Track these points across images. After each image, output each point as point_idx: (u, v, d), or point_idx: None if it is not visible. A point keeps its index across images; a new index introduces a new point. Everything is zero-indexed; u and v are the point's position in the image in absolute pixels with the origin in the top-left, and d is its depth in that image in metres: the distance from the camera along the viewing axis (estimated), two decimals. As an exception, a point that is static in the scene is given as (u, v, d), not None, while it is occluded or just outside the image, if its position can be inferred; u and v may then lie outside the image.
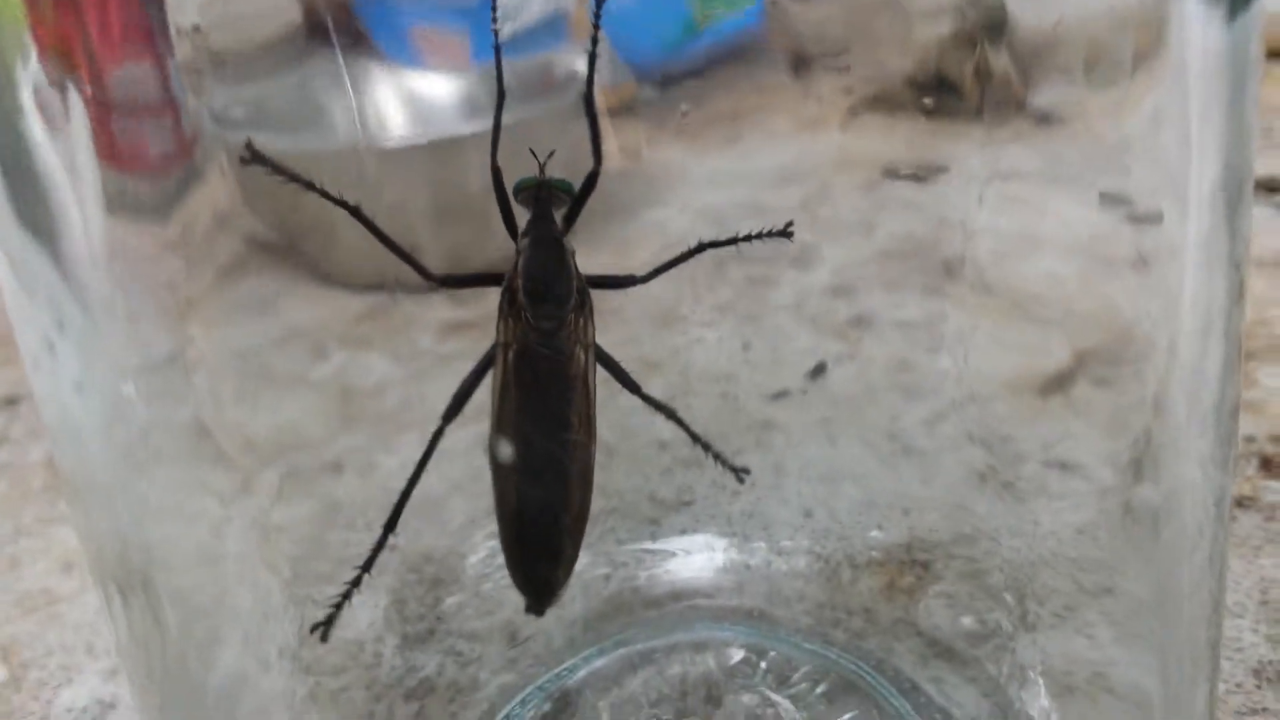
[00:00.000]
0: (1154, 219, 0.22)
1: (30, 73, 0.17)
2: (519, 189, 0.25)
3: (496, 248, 0.26)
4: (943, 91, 0.28)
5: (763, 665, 0.29)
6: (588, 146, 0.25)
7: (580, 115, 0.25)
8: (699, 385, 0.35)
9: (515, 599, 0.26)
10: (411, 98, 0.31)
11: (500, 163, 0.25)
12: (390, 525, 0.26)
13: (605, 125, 0.25)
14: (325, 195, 0.24)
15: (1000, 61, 0.26)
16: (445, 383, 0.27)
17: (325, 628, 0.26)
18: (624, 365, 0.27)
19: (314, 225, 0.28)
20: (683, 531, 0.34)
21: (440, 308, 0.32)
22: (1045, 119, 0.26)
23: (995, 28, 0.26)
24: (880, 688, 0.28)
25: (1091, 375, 0.27)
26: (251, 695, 0.25)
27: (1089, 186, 0.25)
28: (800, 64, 0.29)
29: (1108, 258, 0.25)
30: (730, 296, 0.34)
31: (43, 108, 0.18)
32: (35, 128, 0.17)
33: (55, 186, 0.18)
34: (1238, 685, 0.29)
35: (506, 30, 0.24)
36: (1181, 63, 0.20)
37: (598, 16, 0.24)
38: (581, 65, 0.24)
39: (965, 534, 0.32)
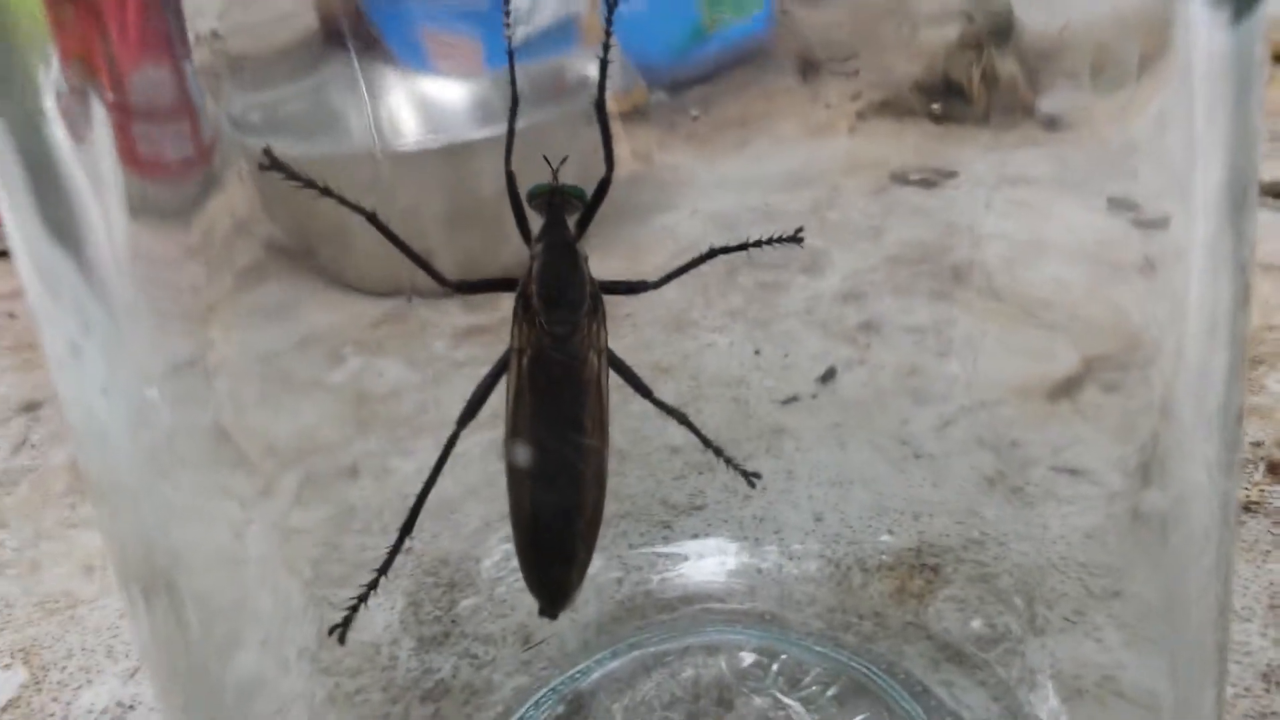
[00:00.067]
0: (1160, 223, 0.22)
1: (53, 79, 0.18)
2: (533, 195, 0.26)
3: (510, 253, 0.26)
4: (950, 96, 0.28)
5: (774, 668, 0.29)
6: (599, 152, 0.25)
7: (591, 120, 0.25)
8: (710, 390, 0.35)
9: (529, 602, 0.26)
10: (424, 102, 0.32)
11: (513, 168, 0.25)
12: (407, 528, 0.27)
13: (617, 131, 0.25)
14: (343, 201, 0.24)
15: (1007, 66, 0.26)
16: (459, 387, 0.27)
17: (342, 630, 0.27)
18: (636, 370, 0.28)
19: (330, 231, 0.28)
20: (695, 535, 0.34)
21: (454, 313, 0.32)
22: (1052, 123, 0.26)
23: (1002, 33, 0.26)
24: (891, 690, 0.28)
25: (1099, 380, 0.27)
26: (271, 696, 0.26)
27: (1096, 191, 0.26)
28: (808, 69, 0.29)
29: (1115, 262, 0.25)
30: (741, 302, 0.34)
31: (66, 114, 0.18)
32: (59, 134, 0.18)
33: (79, 191, 0.18)
34: (1246, 689, 0.29)
35: (519, 35, 0.24)
36: (1186, 66, 0.20)
37: (609, 24, 0.24)
38: (592, 70, 0.24)
39: (975, 538, 0.32)
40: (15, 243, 0.18)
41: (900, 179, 0.31)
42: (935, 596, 0.31)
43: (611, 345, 0.27)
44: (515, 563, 0.26)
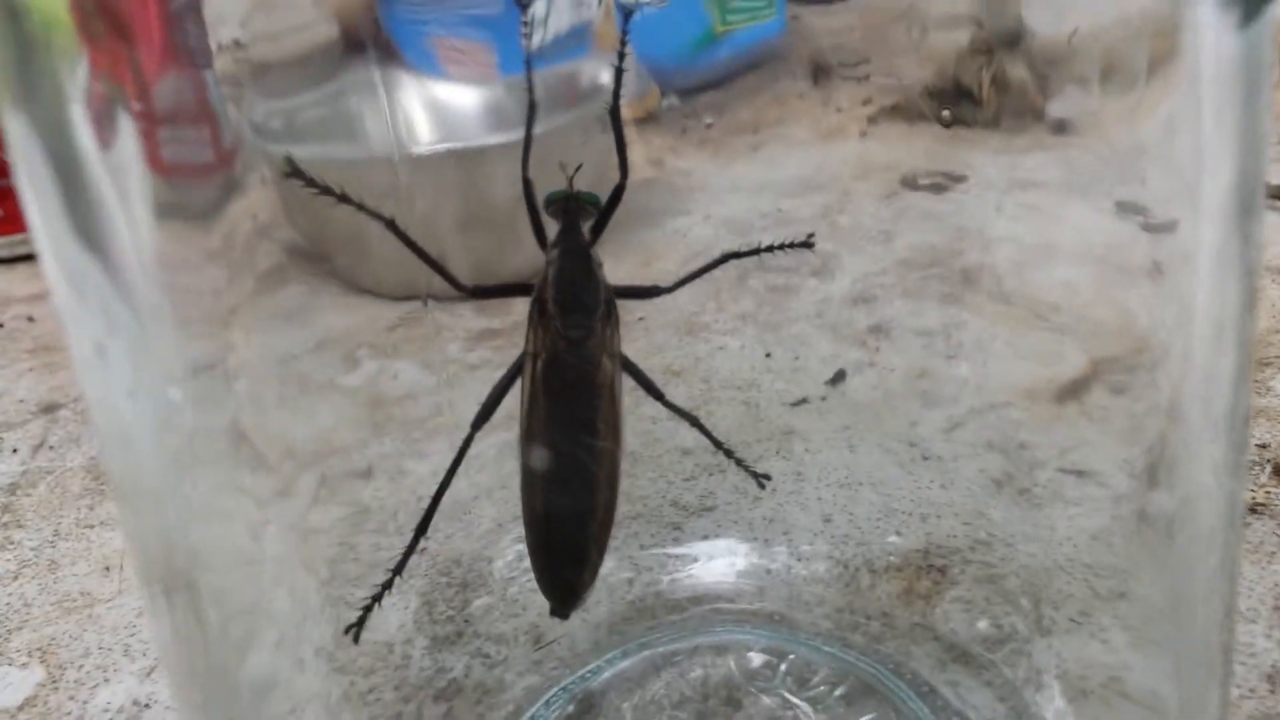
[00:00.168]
0: (1168, 227, 0.23)
1: (80, 86, 0.18)
2: (548, 202, 0.26)
3: (522, 257, 0.27)
4: (960, 101, 0.28)
5: (782, 668, 0.29)
6: (611, 157, 0.25)
7: (603, 125, 0.25)
8: (721, 393, 0.35)
9: (541, 602, 0.26)
10: (440, 108, 0.32)
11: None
12: (422, 529, 0.27)
13: (630, 136, 0.25)
14: (361, 208, 0.24)
15: (1017, 71, 0.26)
16: (473, 389, 0.27)
17: (357, 629, 0.27)
18: (648, 373, 0.28)
19: (347, 237, 0.28)
20: (705, 536, 0.34)
21: (468, 317, 0.32)
22: (1061, 128, 0.26)
23: (1012, 37, 0.26)
24: (898, 690, 0.28)
25: (1107, 383, 0.28)
26: (289, 695, 0.26)
27: (1105, 195, 0.26)
28: (820, 74, 0.29)
29: (1123, 266, 0.26)
30: (752, 305, 0.34)
31: (93, 120, 0.18)
32: (86, 140, 0.18)
33: (105, 196, 0.18)
34: (1251, 690, 0.29)
35: (534, 41, 0.24)
36: (1195, 70, 0.20)
37: (625, 33, 0.24)
38: (605, 75, 0.24)
39: (982, 539, 0.32)
40: (43, 245, 0.18)
41: (910, 183, 0.31)
42: (942, 597, 0.31)
43: (624, 348, 0.27)
44: (527, 563, 0.26)
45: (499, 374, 0.27)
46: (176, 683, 0.23)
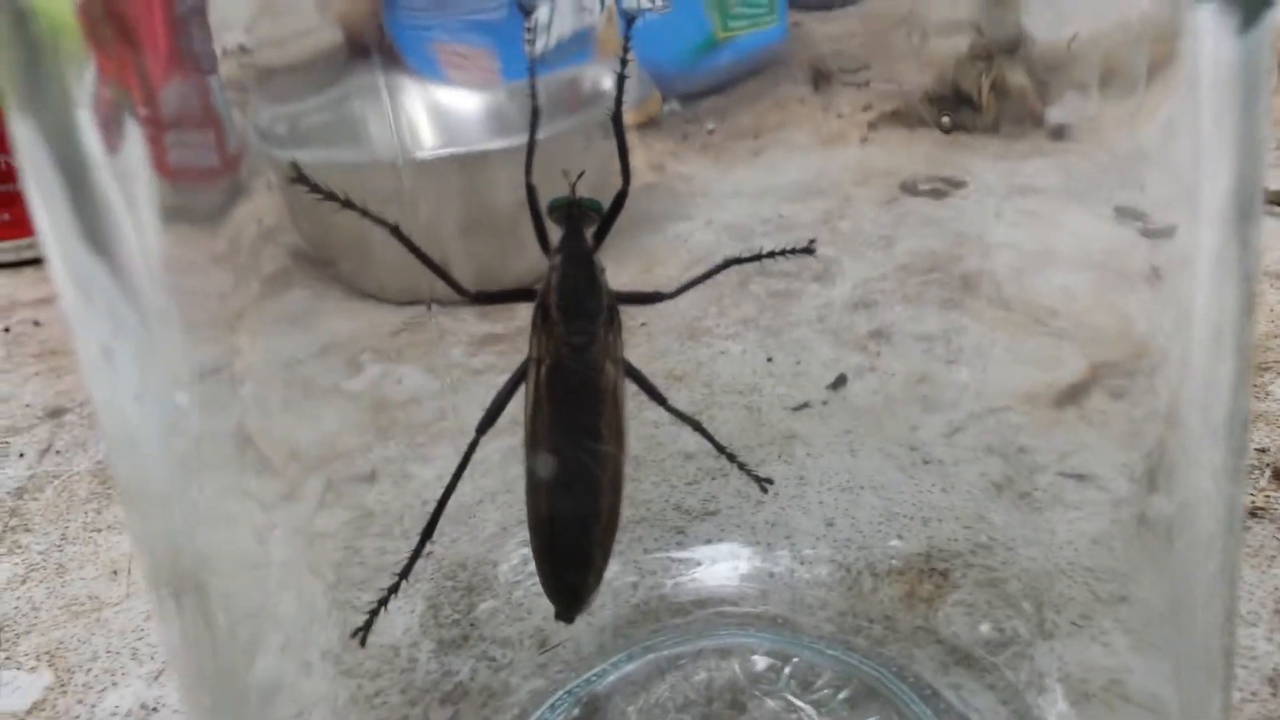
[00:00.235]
0: (1167, 232, 0.23)
1: (87, 91, 0.18)
2: (552, 208, 0.26)
3: (524, 262, 0.27)
4: (960, 106, 0.28)
5: (786, 671, 0.29)
6: (612, 163, 0.25)
7: (604, 130, 0.25)
8: (723, 397, 0.35)
9: (546, 606, 0.27)
10: (443, 113, 0.32)
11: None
12: (427, 533, 0.27)
13: (632, 142, 0.26)
14: (366, 214, 0.24)
15: (1017, 76, 0.27)
16: (477, 394, 0.27)
17: (364, 633, 0.27)
18: (651, 377, 0.28)
19: (351, 242, 0.28)
20: (708, 540, 0.34)
21: (472, 321, 0.32)
22: (1061, 133, 0.26)
23: (1011, 43, 0.27)
24: (901, 694, 0.28)
25: (1106, 387, 0.28)
26: (296, 698, 0.26)
27: (1104, 201, 0.26)
28: (820, 79, 0.30)
29: (1122, 271, 0.26)
30: (753, 310, 0.34)
31: (99, 125, 0.18)
32: (93, 143, 0.18)
33: (112, 200, 0.18)
34: (1253, 694, 0.29)
35: (537, 46, 0.24)
36: (1194, 75, 0.20)
37: (627, 39, 0.24)
38: (606, 80, 0.25)
39: (983, 543, 0.32)
40: (50, 249, 0.18)
41: (910, 189, 0.31)
42: (944, 601, 0.31)
43: (626, 353, 0.27)
44: (532, 567, 0.27)
45: (502, 379, 0.27)
46: (185, 686, 0.23)
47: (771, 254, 0.28)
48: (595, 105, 0.27)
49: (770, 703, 0.28)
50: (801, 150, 0.32)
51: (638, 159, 0.26)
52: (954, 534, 0.32)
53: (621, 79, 0.24)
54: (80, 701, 0.33)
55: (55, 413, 0.51)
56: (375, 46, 0.26)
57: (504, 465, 0.28)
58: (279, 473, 0.26)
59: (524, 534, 0.26)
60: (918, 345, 0.33)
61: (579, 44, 0.27)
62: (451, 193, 0.31)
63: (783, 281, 0.33)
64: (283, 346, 0.27)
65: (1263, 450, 0.38)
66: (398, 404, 0.32)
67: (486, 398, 0.27)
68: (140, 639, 0.35)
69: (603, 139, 0.25)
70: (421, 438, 0.32)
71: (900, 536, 0.33)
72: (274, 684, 0.25)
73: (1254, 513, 0.35)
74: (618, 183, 0.26)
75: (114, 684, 0.33)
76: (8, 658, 0.35)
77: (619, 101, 0.25)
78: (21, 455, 0.48)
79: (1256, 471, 0.37)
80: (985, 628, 0.30)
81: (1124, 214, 0.24)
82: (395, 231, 0.25)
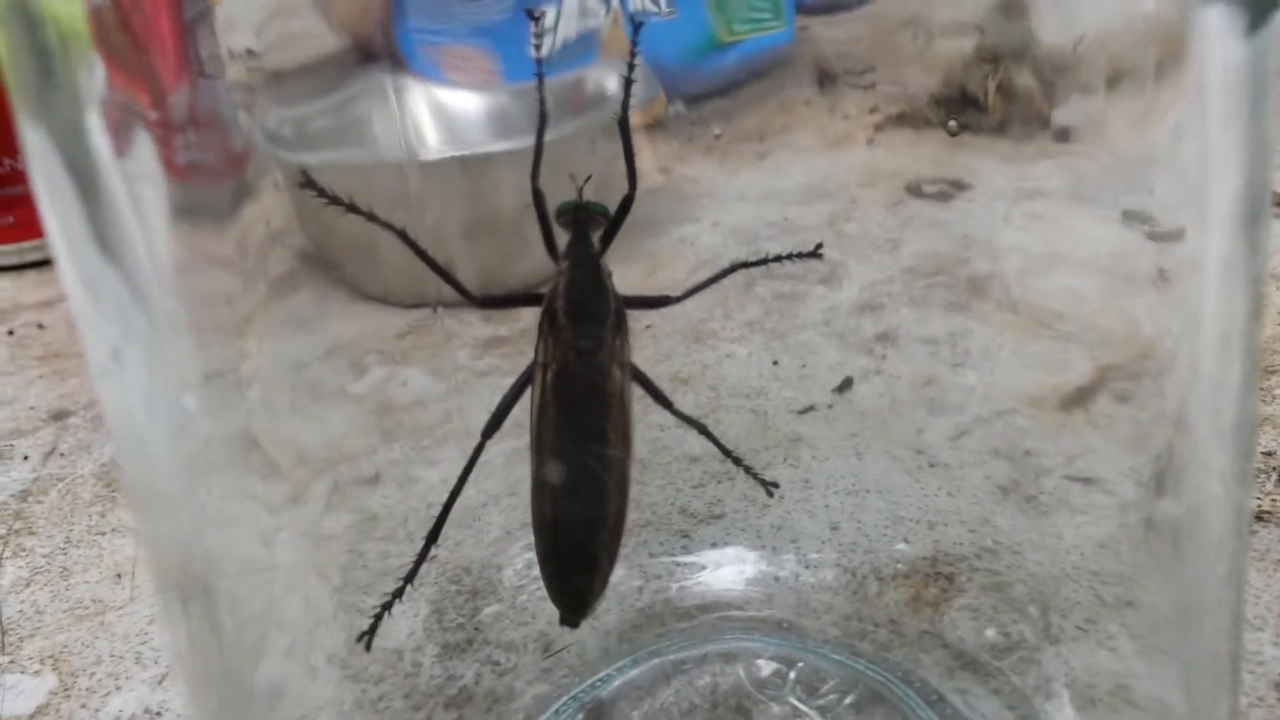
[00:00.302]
0: (1175, 235, 0.23)
1: (96, 95, 0.18)
2: (559, 213, 0.26)
3: (528, 264, 0.27)
4: (966, 109, 0.28)
5: (792, 676, 0.29)
6: (617, 165, 0.25)
7: (611, 134, 0.25)
8: (729, 400, 0.35)
9: (551, 610, 0.27)
10: (447, 115, 0.32)
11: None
12: (432, 537, 0.27)
13: (638, 144, 0.25)
14: (372, 218, 0.24)
15: (1023, 78, 0.26)
16: (482, 396, 0.27)
17: (369, 637, 0.27)
18: (656, 381, 0.28)
19: (357, 245, 0.28)
20: (713, 544, 0.34)
21: (476, 324, 0.32)
22: (1068, 135, 0.26)
23: (1018, 45, 0.27)
24: (907, 698, 0.28)
25: (1113, 391, 0.28)
26: (301, 702, 0.26)
27: (1111, 204, 0.26)
28: (826, 81, 0.30)
29: (1129, 274, 0.26)
30: (759, 313, 0.34)
31: (109, 128, 0.18)
32: (102, 147, 0.18)
33: (121, 203, 0.18)
34: (1260, 699, 0.29)
35: (542, 50, 0.24)
36: (1202, 77, 0.20)
37: (635, 43, 0.24)
38: (611, 82, 0.25)
39: (989, 547, 0.32)
40: (60, 252, 0.18)
41: (916, 191, 0.31)
42: (950, 605, 0.31)
43: (632, 356, 0.27)
44: (537, 571, 0.26)
45: (508, 381, 0.27)
46: (191, 689, 0.23)
47: (779, 258, 0.28)
48: (599, 107, 0.27)
49: (775, 708, 0.28)
50: (807, 153, 0.32)
51: (643, 161, 0.26)
52: (960, 538, 0.32)
53: (628, 84, 0.24)
54: (84, 706, 0.33)
55: (59, 416, 0.51)
56: (381, 49, 0.26)
57: (509, 468, 0.28)
58: (285, 475, 0.25)
59: (529, 538, 0.26)
60: (924, 348, 0.33)
61: (583, 46, 0.27)
62: (456, 194, 0.31)
63: (788, 284, 0.33)
64: (289, 349, 0.27)
65: (1269, 454, 0.38)
66: (403, 407, 0.32)
67: (492, 400, 0.27)
68: (144, 643, 0.35)
69: (606, 141, 0.25)
70: (427, 440, 0.32)
71: (906, 540, 0.33)
72: (279, 688, 0.25)
73: (1260, 517, 0.35)
74: (622, 186, 0.26)
75: (118, 688, 0.33)
76: (12, 661, 0.35)
77: (626, 105, 0.25)
78: (26, 458, 0.48)
79: (1263, 475, 0.37)
80: (991, 632, 0.30)
81: (1131, 217, 0.24)
82: (403, 236, 0.25)
